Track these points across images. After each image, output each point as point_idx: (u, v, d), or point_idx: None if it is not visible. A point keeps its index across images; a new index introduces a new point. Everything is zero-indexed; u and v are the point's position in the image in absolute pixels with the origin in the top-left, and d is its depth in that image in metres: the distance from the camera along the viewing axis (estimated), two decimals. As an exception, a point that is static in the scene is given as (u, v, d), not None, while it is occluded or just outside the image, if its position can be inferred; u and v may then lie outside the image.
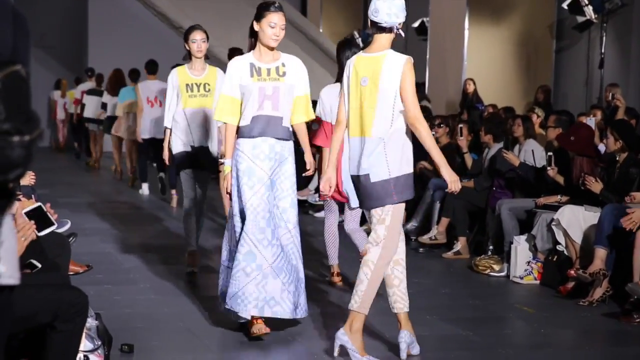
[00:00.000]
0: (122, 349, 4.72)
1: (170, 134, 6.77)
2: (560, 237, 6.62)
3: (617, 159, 6.56)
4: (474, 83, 13.09)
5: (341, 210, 6.74)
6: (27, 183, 5.77)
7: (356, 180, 4.70)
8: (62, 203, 10.36)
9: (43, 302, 3.38)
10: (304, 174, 5.41)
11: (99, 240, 8.35)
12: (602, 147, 7.47)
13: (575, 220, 6.51)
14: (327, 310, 5.85)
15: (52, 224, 3.97)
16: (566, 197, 6.92)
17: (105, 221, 9.62)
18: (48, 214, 3.95)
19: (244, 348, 4.98)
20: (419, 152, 5.15)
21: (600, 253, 6.07)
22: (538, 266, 6.89)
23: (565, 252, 6.63)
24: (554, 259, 6.74)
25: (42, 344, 3.44)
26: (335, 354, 4.65)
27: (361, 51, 4.89)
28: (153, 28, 18.41)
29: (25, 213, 3.87)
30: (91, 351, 4.11)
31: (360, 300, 4.56)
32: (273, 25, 4.96)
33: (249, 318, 4.99)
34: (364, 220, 6.88)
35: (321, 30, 18.99)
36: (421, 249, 8.12)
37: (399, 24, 4.65)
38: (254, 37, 5.09)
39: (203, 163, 6.79)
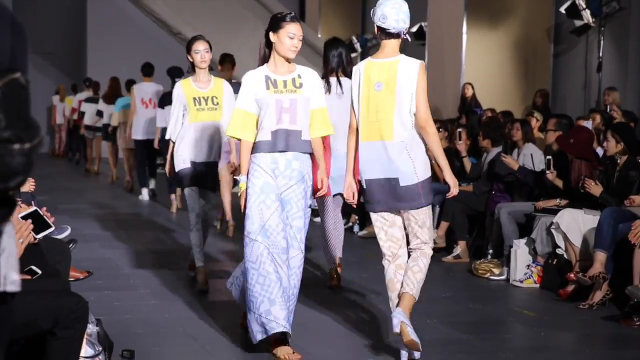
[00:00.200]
0: (122, 355, 4.72)
1: (173, 147, 6.55)
2: (559, 241, 6.63)
3: (619, 161, 6.56)
4: (473, 87, 13.10)
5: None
6: (27, 190, 5.77)
7: (382, 183, 4.79)
8: (61, 209, 10.38)
9: (43, 308, 3.38)
10: (316, 195, 5.16)
11: (99, 246, 8.36)
12: (599, 151, 7.48)
13: (574, 224, 6.52)
14: (326, 315, 5.86)
15: (49, 226, 3.92)
16: (565, 201, 6.93)
17: (105, 227, 9.62)
18: (44, 217, 3.92)
19: (244, 353, 4.97)
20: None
21: (600, 256, 6.08)
22: (538, 270, 6.90)
23: (565, 256, 6.64)
24: (554, 263, 6.75)
25: (43, 351, 3.44)
26: (397, 329, 4.66)
27: (369, 57, 4.96)
28: (152, 34, 18.45)
29: (22, 217, 3.86)
30: (92, 357, 4.11)
31: (417, 288, 4.81)
32: (292, 36, 4.81)
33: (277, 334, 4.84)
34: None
35: (319, 36, 19.01)
36: (421, 253, 8.11)
37: (405, 29, 4.78)
38: (268, 49, 4.94)
39: (207, 180, 6.60)
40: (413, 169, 4.74)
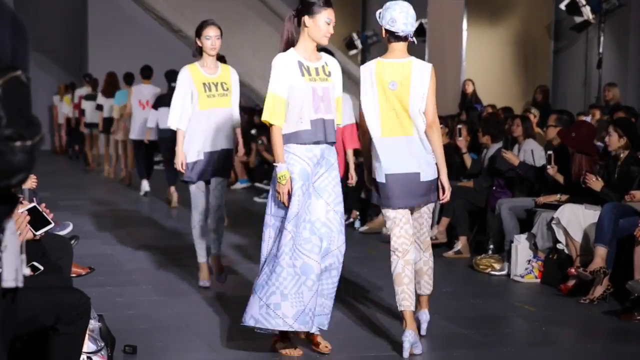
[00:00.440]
0: (125, 350, 4.75)
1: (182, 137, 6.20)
2: (560, 236, 6.64)
3: (621, 155, 6.56)
4: (473, 84, 13.11)
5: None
6: (28, 187, 5.78)
7: (401, 178, 4.89)
8: (63, 206, 10.39)
9: (45, 304, 3.39)
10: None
11: (101, 242, 8.38)
12: (599, 146, 7.48)
13: (575, 219, 6.53)
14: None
15: (48, 222, 3.89)
16: (566, 196, 6.94)
17: (106, 223, 9.64)
18: (43, 212, 3.91)
19: (247, 348, 4.98)
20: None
21: (601, 251, 6.09)
22: (539, 265, 6.91)
23: (566, 251, 6.65)
24: (555, 258, 6.76)
25: (45, 347, 3.45)
26: (424, 332, 5.24)
27: (378, 57, 5.03)
28: (153, 32, 18.44)
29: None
30: (94, 352, 4.14)
31: (430, 285, 5.28)
32: (328, 22, 4.71)
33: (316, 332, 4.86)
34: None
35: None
36: (422, 249, 8.14)
37: (412, 32, 4.94)
38: (295, 34, 4.77)
39: (220, 169, 6.32)
40: (434, 166, 4.94)
